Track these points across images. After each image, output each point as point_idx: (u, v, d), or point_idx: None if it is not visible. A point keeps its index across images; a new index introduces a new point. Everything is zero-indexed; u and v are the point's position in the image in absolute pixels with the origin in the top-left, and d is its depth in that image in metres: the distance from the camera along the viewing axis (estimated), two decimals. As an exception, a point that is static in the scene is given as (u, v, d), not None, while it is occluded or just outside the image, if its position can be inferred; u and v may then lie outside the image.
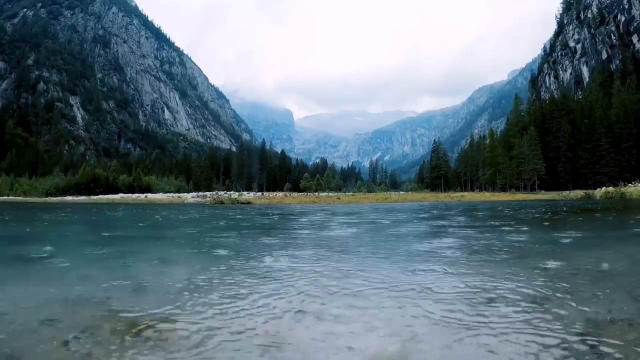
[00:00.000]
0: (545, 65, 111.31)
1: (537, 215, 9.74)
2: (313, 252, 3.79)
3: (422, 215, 10.81)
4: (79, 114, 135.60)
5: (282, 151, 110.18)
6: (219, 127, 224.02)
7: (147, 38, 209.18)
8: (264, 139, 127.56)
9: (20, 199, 44.61)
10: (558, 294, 1.98)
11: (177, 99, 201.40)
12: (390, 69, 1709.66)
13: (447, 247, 4.07)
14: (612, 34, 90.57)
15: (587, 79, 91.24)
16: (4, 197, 46.48)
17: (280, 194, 38.96)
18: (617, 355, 1.23)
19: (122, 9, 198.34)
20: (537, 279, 2.36)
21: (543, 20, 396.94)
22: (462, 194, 37.60)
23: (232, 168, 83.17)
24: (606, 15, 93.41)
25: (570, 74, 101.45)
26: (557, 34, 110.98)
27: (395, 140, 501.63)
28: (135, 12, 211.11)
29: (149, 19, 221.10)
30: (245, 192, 43.37)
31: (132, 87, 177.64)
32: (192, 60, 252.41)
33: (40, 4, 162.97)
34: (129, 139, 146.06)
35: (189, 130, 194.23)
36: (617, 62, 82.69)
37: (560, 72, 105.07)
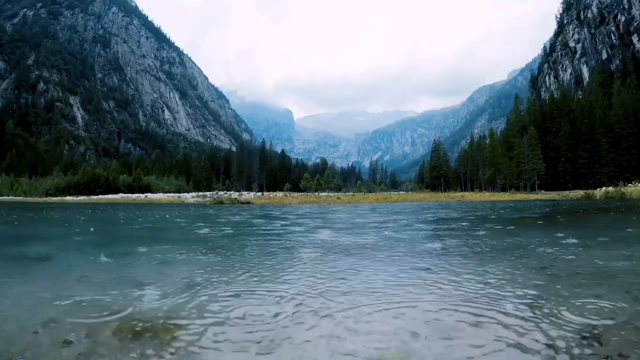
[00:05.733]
0: (545, 65, 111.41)
1: (536, 216, 9.74)
2: (311, 252, 3.79)
3: (421, 216, 10.82)
4: (79, 114, 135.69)
5: (282, 151, 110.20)
6: (219, 127, 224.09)
7: (147, 38, 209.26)
8: (264, 139, 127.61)
9: (20, 199, 44.62)
10: (558, 294, 1.97)
11: (177, 99, 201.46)
12: (390, 69, 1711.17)
13: (447, 247, 4.08)
14: (612, 34, 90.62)
15: (587, 79, 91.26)
16: (4, 197, 46.48)
17: (280, 194, 38.96)
18: (617, 356, 1.22)
19: (122, 9, 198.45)
20: (537, 279, 2.36)
21: (543, 20, 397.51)
22: (462, 194, 37.61)
23: (232, 168, 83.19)
24: (606, 15, 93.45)
25: (570, 74, 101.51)
26: (557, 34, 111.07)
27: (395, 140, 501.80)
28: (135, 12, 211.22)
29: (149, 19, 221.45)
30: (245, 192, 43.40)
31: (132, 87, 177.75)
32: (192, 60, 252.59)
33: (40, 4, 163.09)
34: (129, 139, 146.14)
35: (189, 130, 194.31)
36: (617, 62, 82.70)
37: (560, 72, 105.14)
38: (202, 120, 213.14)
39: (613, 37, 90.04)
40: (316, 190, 58.46)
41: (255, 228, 7.11)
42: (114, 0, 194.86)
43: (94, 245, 5.08)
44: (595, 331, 1.43)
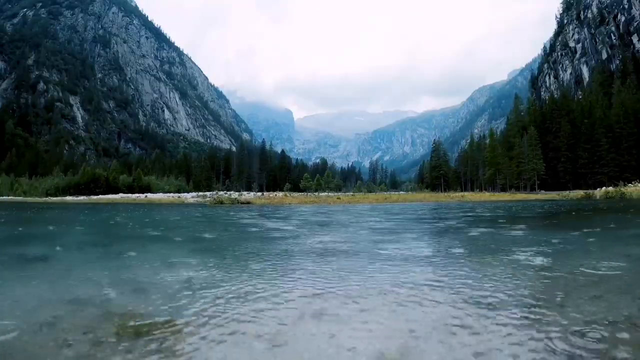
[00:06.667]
0: (545, 65, 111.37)
1: (536, 216, 9.75)
2: (311, 253, 3.80)
3: (421, 216, 10.82)
4: (79, 114, 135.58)
5: (282, 151, 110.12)
6: (219, 127, 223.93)
7: (147, 38, 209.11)
8: (264, 139, 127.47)
9: (20, 199, 44.57)
10: (557, 294, 1.98)
11: (177, 99, 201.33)
12: (390, 69, 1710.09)
13: (446, 247, 4.08)
14: (612, 34, 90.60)
15: (587, 79, 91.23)
16: (4, 197, 46.45)
17: (280, 194, 38.94)
18: (618, 356, 1.23)
19: (122, 9, 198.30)
20: (537, 280, 2.37)
21: (543, 20, 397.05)
22: (462, 194, 37.61)
23: (232, 168, 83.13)
24: (606, 15, 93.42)
25: (570, 74, 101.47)
26: (557, 33, 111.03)
27: (395, 140, 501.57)
28: (135, 12, 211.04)
29: (149, 19, 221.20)
30: (245, 192, 43.37)
31: (132, 87, 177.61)
32: (192, 60, 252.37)
33: (40, 4, 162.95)
34: (129, 139, 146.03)
35: (189, 130, 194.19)
36: (617, 62, 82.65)
37: (560, 72, 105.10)
38: (202, 120, 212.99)
39: (613, 37, 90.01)
40: (316, 190, 58.44)
41: (255, 228, 7.11)
42: (114, 0, 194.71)
43: (94, 245, 5.09)
44: (595, 331, 1.43)
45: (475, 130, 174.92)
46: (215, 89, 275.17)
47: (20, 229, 7.75)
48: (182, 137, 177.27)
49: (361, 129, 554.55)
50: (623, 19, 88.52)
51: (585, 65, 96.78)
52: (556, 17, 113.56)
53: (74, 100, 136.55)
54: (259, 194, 39.69)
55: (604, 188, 27.23)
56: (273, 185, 79.90)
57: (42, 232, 7.06)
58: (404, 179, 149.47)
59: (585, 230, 6.17)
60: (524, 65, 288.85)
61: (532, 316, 1.63)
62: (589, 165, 51.60)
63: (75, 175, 62.36)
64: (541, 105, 70.45)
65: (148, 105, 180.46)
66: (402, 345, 1.34)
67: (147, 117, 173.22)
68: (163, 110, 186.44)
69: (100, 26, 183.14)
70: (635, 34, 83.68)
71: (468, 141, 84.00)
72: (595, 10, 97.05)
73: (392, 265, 2.99)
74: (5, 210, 15.82)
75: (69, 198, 41.15)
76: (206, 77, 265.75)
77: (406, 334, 1.45)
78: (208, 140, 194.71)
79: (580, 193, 28.36)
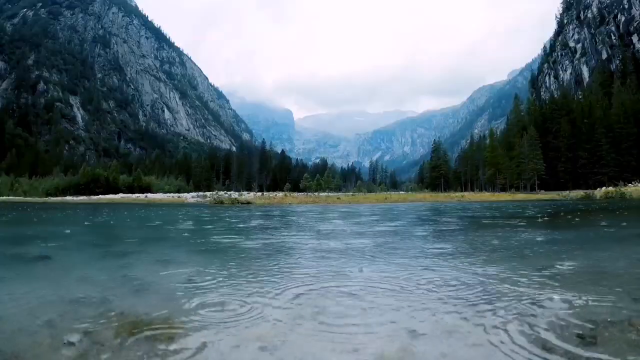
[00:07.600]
0: (545, 65, 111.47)
1: (536, 216, 9.74)
2: (311, 253, 3.79)
3: (421, 216, 10.82)
4: (79, 114, 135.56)
5: (282, 151, 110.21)
6: (219, 127, 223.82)
7: (147, 38, 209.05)
8: (264, 139, 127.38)
9: (20, 199, 44.53)
10: (558, 294, 1.97)
11: (177, 99, 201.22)
12: (390, 69, 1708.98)
13: (446, 247, 4.08)
14: (612, 34, 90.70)
15: (587, 79, 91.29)
16: (4, 197, 46.42)
17: (281, 194, 38.94)
18: (617, 356, 1.23)
19: (122, 9, 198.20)
20: (536, 279, 2.36)
21: (543, 20, 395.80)
22: (462, 194, 37.63)
23: (232, 168, 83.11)
24: (606, 15, 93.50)
25: (570, 74, 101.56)
26: (557, 33, 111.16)
27: (395, 140, 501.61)
28: (135, 12, 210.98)
29: (149, 19, 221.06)
30: (245, 192, 43.36)
31: (132, 87, 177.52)
32: (192, 60, 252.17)
33: (40, 4, 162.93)
34: (129, 139, 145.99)
35: (189, 130, 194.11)
36: (617, 62, 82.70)
37: (560, 72, 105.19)
38: (202, 120, 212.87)
39: (613, 37, 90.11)
40: (316, 191, 58.44)
41: (254, 228, 7.11)
42: (114, 0, 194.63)
43: (94, 245, 5.09)
44: (595, 332, 1.43)
45: (475, 130, 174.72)
46: (216, 89, 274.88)
47: (20, 229, 7.75)
48: (182, 137, 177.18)
49: (361, 129, 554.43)
50: (623, 19, 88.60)
51: (585, 65, 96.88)
52: (556, 17, 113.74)
53: (74, 100, 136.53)
54: (259, 194, 39.67)
55: (604, 188, 27.25)
56: (273, 185, 79.88)
57: (42, 232, 7.06)
58: (404, 179, 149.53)
59: (585, 230, 6.17)
60: (524, 65, 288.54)
61: (532, 315, 1.63)
62: (589, 165, 51.59)
63: (75, 176, 62.35)
64: (541, 105, 70.47)
65: (148, 105, 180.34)
66: (403, 345, 1.34)
67: (147, 117, 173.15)
68: (163, 110, 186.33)
69: (100, 26, 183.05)
70: (635, 34, 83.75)
71: (468, 141, 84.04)
72: (595, 10, 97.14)
73: (391, 265, 2.99)
74: (6, 210, 15.82)
75: (69, 198, 41.13)
76: (206, 77, 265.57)
77: (407, 334, 1.45)
78: (208, 140, 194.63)
79: (580, 193, 28.39)
